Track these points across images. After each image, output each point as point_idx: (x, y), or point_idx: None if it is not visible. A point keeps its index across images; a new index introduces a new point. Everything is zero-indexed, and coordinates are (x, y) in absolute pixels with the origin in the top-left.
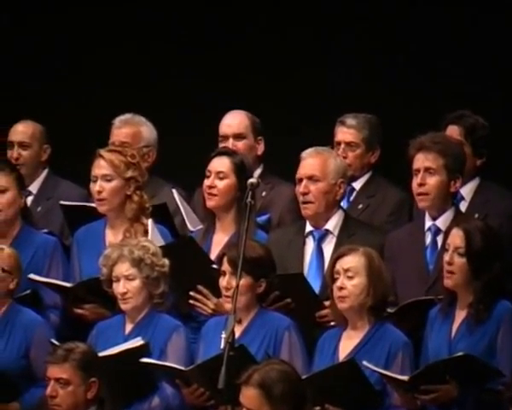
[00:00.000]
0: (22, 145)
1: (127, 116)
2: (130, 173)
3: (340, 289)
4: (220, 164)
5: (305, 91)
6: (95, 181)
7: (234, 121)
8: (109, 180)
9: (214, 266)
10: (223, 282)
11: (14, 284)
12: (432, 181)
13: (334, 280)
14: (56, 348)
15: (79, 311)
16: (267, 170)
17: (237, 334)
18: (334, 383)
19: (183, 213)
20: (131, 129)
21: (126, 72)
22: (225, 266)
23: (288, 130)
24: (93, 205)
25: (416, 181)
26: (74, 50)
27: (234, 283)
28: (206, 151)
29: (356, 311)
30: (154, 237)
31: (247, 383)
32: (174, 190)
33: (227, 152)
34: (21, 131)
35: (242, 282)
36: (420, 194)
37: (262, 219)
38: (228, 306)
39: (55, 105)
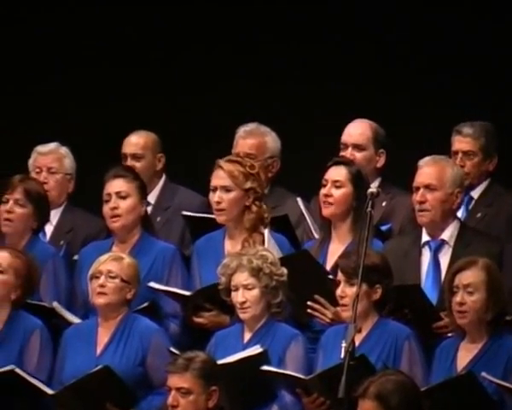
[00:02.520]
0: (135, 157)
1: (252, 126)
2: (249, 184)
3: (460, 304)
4: (337, 173)
5: (421, 101)
6: (214, 191)
7: (355, 131)
8: (228, 191)
9: (330, 276)
10: (338, 291)
11: (132, 294)
12: None
13: (452, 294)
14: (177, 357)
15: (199, 320)
16: (386, 181)
17: (357, 343)
18: (452, 396)
19: (309, 222)
20: (256, 140)
21: (248, 81)
22: (339, 276)
23: (406, 140)
24: (213, 216)
25: None
26: (181, 56)
27: (348, 291)
28: (324, 161)
29: (475, 325)
30: (270, 247)
31: (363, 395)
32: (299, 199)
33: (344, 161)
34: (133, 142)
35: (354, 290)
36: None
37: (384, 228)
38: (344, 315)
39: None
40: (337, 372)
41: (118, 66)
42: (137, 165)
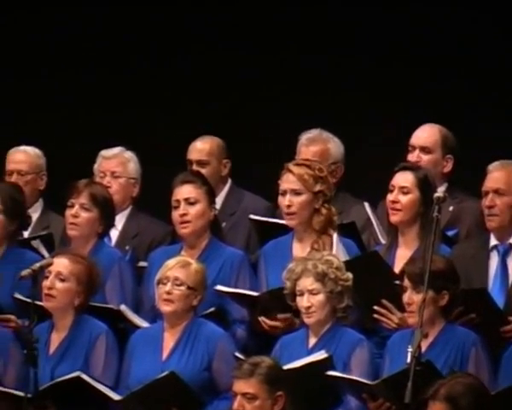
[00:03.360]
0: (200, 163)
1: (314, 133)
2: (318, 187)
3: None
4: (404, 179)
5: (490, 104)
6: (283, 195)
7: (423, 134)
8: (298, 194)
9: (397, 281)
10: (405, 298)
11: (198, 301)
12: None
13: None
14: (242, 362)
15: (272, 323)
16: (453, 186)
17: (423, 348)
18: None
19: (376, 227)
20: (319, 146)
21: (312, 87)
22: (406, 282)
23: (474, 144)
24: (282, 222)
25: None
26: (248, 62)
27: (415, 298)
28: (391, 165)
29: None
30: (338, 251)
31: (433, 397)
32: (366, 204)
33: (411, 167)
34: (199, 149)
35: (421, 296)
36: None
37: (450, 233)
38: (411, 321)
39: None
40: (403, 378)
41: (186, 69)
42: (203, 171)
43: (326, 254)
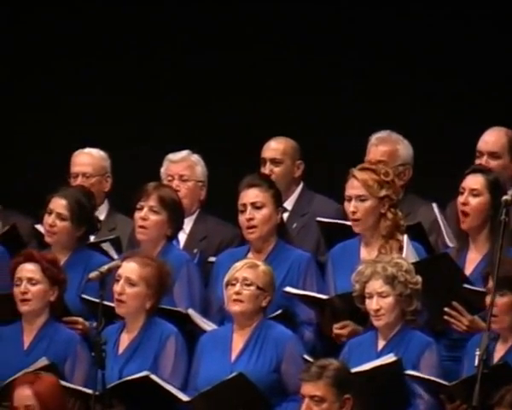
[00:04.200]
0: (274, 162)
1: (384, 134)
2: (384, 192)
3: None
4: (474, 181)
5: None
6: (349, 201)
7: (490, 138)
8: (363, 200)
9: (466, 285)
10: (487, 300)
11: (267, 302)
12: None
13: None
14: (310, 365)
15: (339, 331)
16: None
17: (502, 352)
18: None
19: (443, 230)
20: (388, 147)
21: (380, 89)
22: (489, 285)
23: None
24: (348, 223)
25: None
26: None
27: (498, 301)
28: (463, 167)
29: None
30: (408, 253)
31: (499, 404)
32: (435, 205)
33: (482, 169)
34: (273, 147)
35: (505, 300)
36: None
37: None
38: (494, 326)
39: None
40: (481, 380)
41: (251, 70)
42: (276, 170)
43: (396, 256)
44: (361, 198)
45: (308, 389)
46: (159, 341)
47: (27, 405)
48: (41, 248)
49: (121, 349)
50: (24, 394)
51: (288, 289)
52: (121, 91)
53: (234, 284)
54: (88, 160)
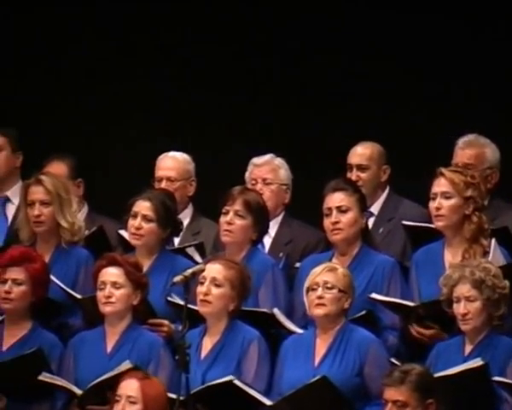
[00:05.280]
0: (360, 168)
1: (471, 137)
2: (469, 193)
3: None
4: None
5: None
6: (434, 199)
7: None
8: (448, 198)
9: None
10: None
11: (349, 304)
12: None
13: None
14: (393, 370)
15: (423, 331)
16: None
17: None
18: None
19: None
20: (475, 150)
21: (466, 91)
22: None
23: None
24: (432, 226)
25: None
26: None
27: None
28: None
29: None
30: (496, 257)
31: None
32: None
33: None
34: (359, 153)
35: None
36: None
37: None
38: None
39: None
40: None
41: (337, 75)
42: (362, 176)
43: (483, 261)
44: (446, 195)
45: (391, 393)
46: (241, 345)
47: (131, 396)
48: (126, 253)
49: (204, 354)
50: (131, 386)
51: (374, 295)
52: (206, 95)
53: (315, 289)
54: (172, 164)
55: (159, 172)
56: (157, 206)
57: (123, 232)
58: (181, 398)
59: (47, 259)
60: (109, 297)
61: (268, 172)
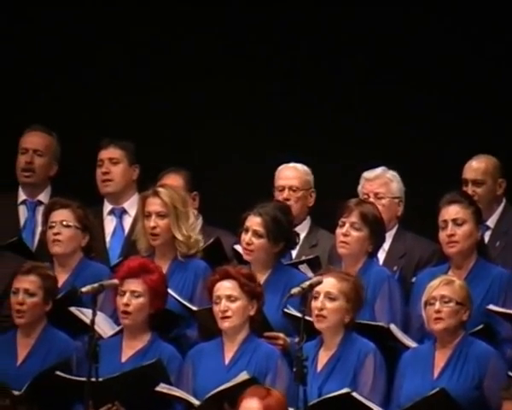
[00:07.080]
0: (476, 183)
1: None
2: None
3: None
4: None
5: None
6: None
7: None
8: None
9: None
10: None
11: (467, 316)
12: None
13: None
14: (510, 383)
15: None
16: None
17: None
18: None
19: None
20: None
21: None
22: None
23: None
24: None
25: None
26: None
27: None
28: None
29: None
30: None
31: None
32: None
33: None
34: (474, 168)
35: None
36: None
37: None
38: None
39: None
40: None
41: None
42: (478, 190)
43: None
44: None
45: (508, 407)
46: (357, 358)
47: None
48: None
49: (320, 366)
50: (252, 406)
51: (491, 306)
52: (317, 109)
53: (433, 303)
54: (294, 174)
55: (280, 182)
56: (267, 221)
57: (237, 247)
58: None
59: (164, 271)
60: (225, 311)
61: (380, 186)
